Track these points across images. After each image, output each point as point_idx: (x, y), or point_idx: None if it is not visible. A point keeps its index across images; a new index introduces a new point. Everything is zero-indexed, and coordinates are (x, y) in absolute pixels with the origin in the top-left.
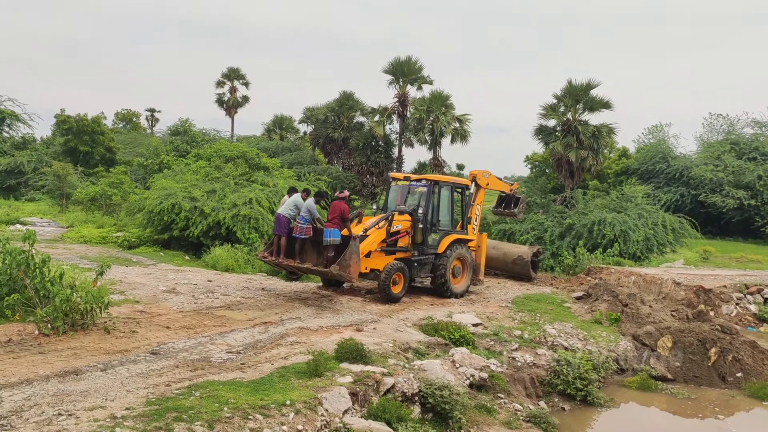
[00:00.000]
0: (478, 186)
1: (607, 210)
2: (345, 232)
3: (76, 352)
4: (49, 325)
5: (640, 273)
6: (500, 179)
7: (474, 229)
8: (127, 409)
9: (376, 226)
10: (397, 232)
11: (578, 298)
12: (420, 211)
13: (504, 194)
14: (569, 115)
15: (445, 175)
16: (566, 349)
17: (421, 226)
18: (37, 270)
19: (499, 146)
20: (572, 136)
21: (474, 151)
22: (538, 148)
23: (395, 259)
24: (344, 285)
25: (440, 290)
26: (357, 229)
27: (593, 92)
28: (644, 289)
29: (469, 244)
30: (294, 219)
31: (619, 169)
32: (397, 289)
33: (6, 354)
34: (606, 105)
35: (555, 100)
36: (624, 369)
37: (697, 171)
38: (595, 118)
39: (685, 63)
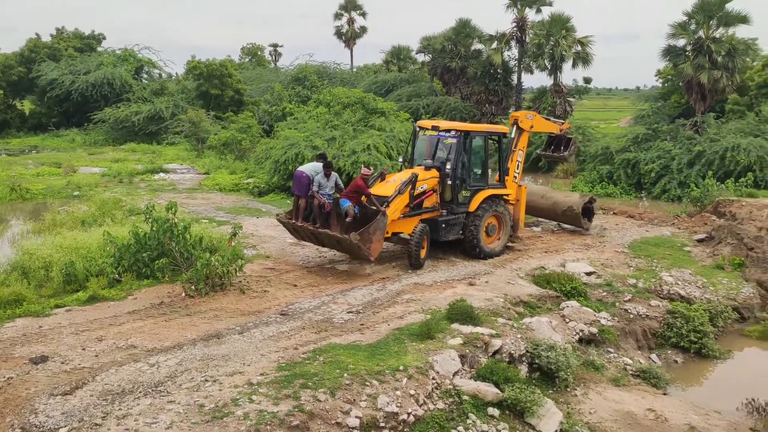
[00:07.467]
0: (520, 130)
1: (743, 135)
2: (365, 199)
3: (216, 314)
4: (192, 287)
5: None
6: (548, 119)
7: (515, 178)
8: (261, 374)
9: (398, 193)
10: (423, 193)
11: (700, 241)
12: (448, 166)
13: (553, 135)
14: (701, 33)
15: (478, 124)
16: (683, 297)
17: (450, 182)
18: (180, 236)
19: (628, 55)
20: (704, 56)
21: (599, 64)
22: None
23: (420, 221)
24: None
25: (471, 252)
26: (380, 189)
27: (728, 6)
28: None
29: (508, 197)
30: (313, 180)
31: (762, 81)
32: (422, 254)
33: (160, 316)
34: (743, 19)
35: (685, 18)
36: (745, 317)
37: None
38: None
39: None
